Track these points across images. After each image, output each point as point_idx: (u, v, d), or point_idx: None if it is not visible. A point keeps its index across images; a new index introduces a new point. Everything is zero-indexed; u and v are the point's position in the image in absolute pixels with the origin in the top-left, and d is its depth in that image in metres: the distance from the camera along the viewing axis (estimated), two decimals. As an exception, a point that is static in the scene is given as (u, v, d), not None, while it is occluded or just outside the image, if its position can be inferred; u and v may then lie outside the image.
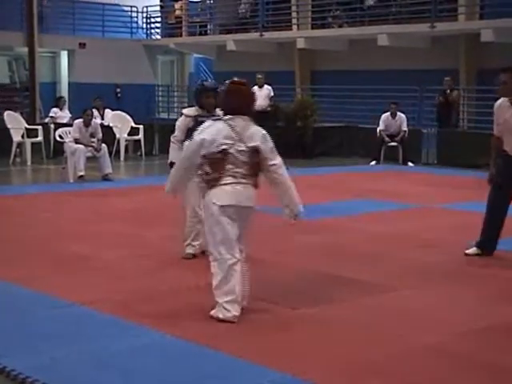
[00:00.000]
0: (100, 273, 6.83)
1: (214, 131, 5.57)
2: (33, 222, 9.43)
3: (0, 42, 23.38)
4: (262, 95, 18.53)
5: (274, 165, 5.81)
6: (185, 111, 7.51)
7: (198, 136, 5.63)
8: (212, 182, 5.58)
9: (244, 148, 5.59)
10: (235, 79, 5.86)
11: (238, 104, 5.63)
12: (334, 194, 12.28)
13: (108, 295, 6.06)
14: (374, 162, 17.24)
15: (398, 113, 17.28)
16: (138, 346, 4.92)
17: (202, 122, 6.44)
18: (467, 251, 7.42)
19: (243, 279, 5.60)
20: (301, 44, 22.22)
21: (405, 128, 17.27)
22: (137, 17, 27.60)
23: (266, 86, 18.59)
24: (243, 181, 5.61)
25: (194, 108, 7.17)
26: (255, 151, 5.65)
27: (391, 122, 17.33)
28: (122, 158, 17.48)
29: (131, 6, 27.08)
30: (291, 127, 18.71)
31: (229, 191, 5.54)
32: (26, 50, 21.93)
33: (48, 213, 10.10)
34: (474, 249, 7.40)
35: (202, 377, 4.44)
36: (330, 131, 19.34)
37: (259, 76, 18.62)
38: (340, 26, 22.21)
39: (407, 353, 4.88)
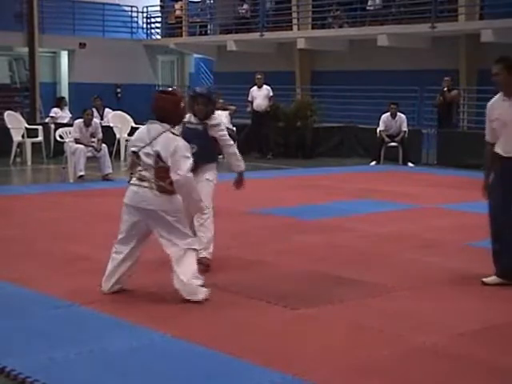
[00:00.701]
0: (100, 273, 6.80)
1: (136, 133, 6.19)
2: (33, 222, 9.43)
3: (0, 42, 23.41)
4: (261, 95, 18.55)
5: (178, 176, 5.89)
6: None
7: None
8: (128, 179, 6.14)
9: (150, 151, 5.93)
10: (165, 89, 6.33)
11: (160, 111, 6.04)
12: (334, 194, 12.28)
13: (107, 295, 6.06)
14: (374, 163, 17.25)
15: (398, 113, 17.28)
16: (137, 346, 4.92)
17: (190, 129, 6.65)
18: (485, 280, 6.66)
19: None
20: (301, 44, 22.23)
21: (405, 128, 17.27)
22: (137, 17, 27.62)
23: (265, 86, 18.58)
24: (144, 184, 5.94)
25: (188, 114, 7.19)
26: (158, 156, 5.92)
27: (391, 122, 17.34)
28: (122, 158, 17.48)
29: (131, 6, 27.10)
30: (291, 127, 18.74)
31: (130, 191, 6.02)
32: (26, 50, 21.95)
33: (48, 213, 10.10)
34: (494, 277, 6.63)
35: (202, 377, 4.44)
36: (330, 131, 19.36)
37: (258, 76, 18.62)
38: (340, 27, 22.22)
39: (407, 353, 4.88)
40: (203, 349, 4.84)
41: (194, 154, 6.11)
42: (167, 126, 5.97)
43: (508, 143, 6.49)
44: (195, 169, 6.32)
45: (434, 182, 13.83)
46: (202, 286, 5.98)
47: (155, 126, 5.99)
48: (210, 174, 7.00)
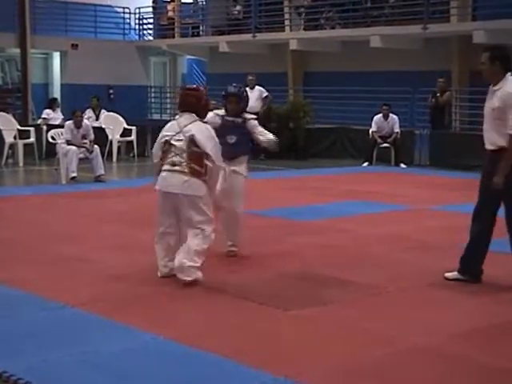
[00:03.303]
0: (92, 274, 6.82)
1: (166, 127, 6.61)
2: (25, 223, 9.41)
3: (-8, 43, 23.40)
4: (254, 96, 18.54)
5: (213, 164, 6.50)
6: (216, 111, 7.79)
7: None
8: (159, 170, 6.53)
9: (182, 137, 6.39)
10: (190, 86, 7.21)
11: (189, 106, 6.58)
12: (327, 195, 12.29)
13: (100, 297, 6.05)
14: (366, 164, 17.26)
15: (391, 114, 17.31)
16: (130, 347, 4.91)
17: (229, 121, 7.38)
18: None
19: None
20: (293, 45, 22.23)
21: (397, 129, 17.30)
22: (129, 18, 27.57)
23: (257, 88, 18.58)
24: (176, 168, 6.37)
25: (221, 111, 7.62)
26: (191, 140, 6.37)
27: (383, 123, 17.36)
28: (114, 159, 17.46)
29: (124, 7, 27.06)
30: (284, 128, 18.72)
31: (161, 177, 6.45)
32: (18, 51, 21.90)
33: (40, 214, 10.08)
34: None
35: (193, 378, 4.44)
36: (322, 132, 19.38)
37: (250, 77, 18.63)
38: (333, 28, 22.23)
39: (400, 354, 4.89)
40: (195, 350, 4.83)
41: (232, 145, 7.06)
42: (195, 116, 6.53)
43: (484, 134, 6.51)
44: (231, 159, 7.19)
45: (427, 183, 13.85)
46: (197, 269, 6.34)
47: (185, 116, 6.53)
48: (242, 168, 7.50)
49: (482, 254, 6.62)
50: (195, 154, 6.38)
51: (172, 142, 6.43)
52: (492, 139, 6.39)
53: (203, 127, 6.51)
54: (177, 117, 6.64)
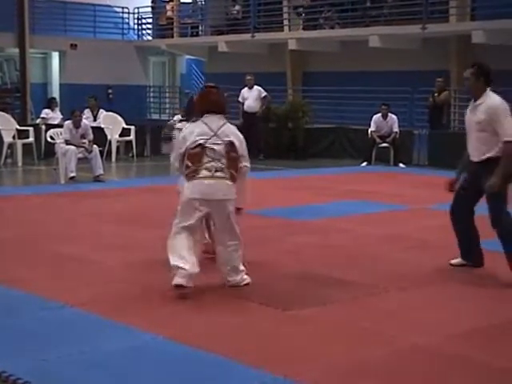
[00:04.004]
0: (91, 274, 6.82)
1: (191, 129, 6.22)
2: (23, 223, 9.40)
3: (-9, 43, 23.39)
4: (252, 96, 18.57)
5: (245, 166, 6.29)
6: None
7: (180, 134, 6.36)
8: (191, 174, 6.11)
9: (219, 141, 6.09)
10: (210, 84, 6.60)
11: (214, 104, 6.25)
12: (326, 195, 12.29)
13: (99, 296, 6.05)
14: (365, 163, 17.27)
15: (390, 114, 17.31)
16: (130, 347, 4.91)
17: None
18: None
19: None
20: (292, 45, 22.23)
21: (396, 129, 17.30)
22: (128, 18, 27.57)
23: (256, 87, 18.61)
24: (218, 174, 6.07)
25: None
26: (231, 145, 6.12)
27: (382, 123, 17.36)
28: (113, 159, 17.45)
29: (123, 7, 27.05)
30: (283, 128, 18.74)
31: (201, 184, 6.05)
32: (17, 50, 21.89)
33: (39, 214, 10.08)
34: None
35: (193, 378, 4.44)
36: (321, 132, 19.38)
37: (249, 77, 18.64)
38: (331, 28, 22.23)
39: (400, 354, 4.89)
40: (195, 350, 4.83)
41: None
42: (223, 117, 6.24)
43: (470, 147, 6.87)
44: None
45: (425, 183, 13.85)
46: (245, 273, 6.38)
47: (213, 119, 6.17)
48: None
49: (476, 243, 7.07)
50: (233, 159, 6.12)
51: (208, 145, 6.04)
52: (479, 151, 6.73)
53: (235, 130, 6.26)
54: (203, 118, 6.21)
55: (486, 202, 6.77)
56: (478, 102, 6.75)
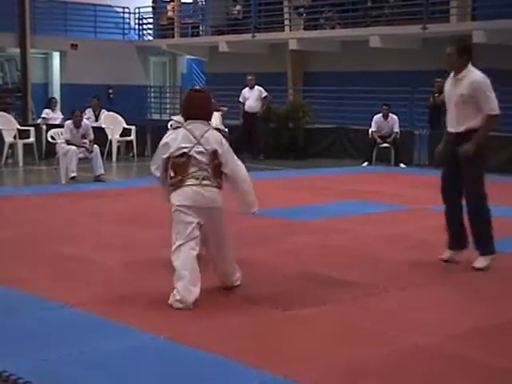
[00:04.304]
0: (91, 274, 6.82)
1: (173, 136, 6.01)
2: (24, 223, 9.41)
3: (-8, 42, 23.41)
4: (253, 96, 18.57)
5: (238, 166, 6.14)
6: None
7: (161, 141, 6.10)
8: (177, 184, 5.95)
9: (203, 150, 5.93)
10: (195, 88, 6.26)
11: (199, 108, 6.06)
12: (326, 195, 12.29)
13: (100, 296, 6.05)
14: (365, 163, 17.27)
15: (390, 114, 17.32)
16: (130, 347, 4.91)
17: None
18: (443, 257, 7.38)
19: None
20: (293, 45, 22.23)
21: (397, 129, 17.31)
22: (129, 18, 27.58)
23: (256, 87, 18.62)
24: (206, 182, 5.93)
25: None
26: (214, 154, 5.97)
27: (383, 123, 17.37)
28: (114, 159, 17.46)
29: (123, 7, 27.07)
30: (283, 129, 18.75)
31: (191, 193, 5.89)
32: (17, 50, 21.91)
33: (39, 214, 10.08)
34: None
35: (193, 378, 4.44)
36: (322, 132, 19.38)
37: (250, 77, 18.66)
38: (332, 28, 22.23)
39: (400, 354, 4.89)
40: (195, 350, 4.83)
41: None
42: (207, 123, 6.07)
43: (449, 118, 7.11)
44: None
45: (426, 183, 13.81)
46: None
47: (196, 125, 5.99)
48: None
49: (462, 223, 7.27)
50: (218, 167, 5.99)
51: (192, 153, 5.90)
52: (458, 122, 6.95)
53: (218, 136, 6.07)
54: (185, 124, 6.02)
55: (464, 182, 7.00)
56: (460, 75, 6.95)
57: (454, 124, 7.03)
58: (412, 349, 4.96)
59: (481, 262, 7.05)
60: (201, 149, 5.92)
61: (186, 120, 6.05)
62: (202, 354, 4.77)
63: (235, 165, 6.10)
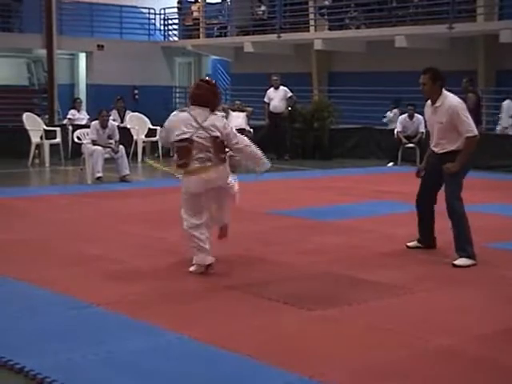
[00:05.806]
0: (117, 274, 6.86)
1: (175, 122, 6.63)
2: (51, 223, 9.47)
3: (19, 44, 23.57)
4: (278, 96, 18.57)
5: (236, 143, 6.71)
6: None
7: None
8: (184, 165, 6.59)
9: (207, 134, 6.49)
10: (203, 78, 7.31)
11: (201, 97, 6.62)
12: (351, 195, 12.26)
13: (125, 296, 6.08)
14: (391, 164, 17.21)
15: (416, 114, 17.23)
16: (154, 346, 4.93)
17: None
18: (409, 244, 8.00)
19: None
20: (318, 45, 22.19)
21: (422, 129, 17.18)
22: (154, 19, 27.68)
23: (281, 88, 18.61)
24: (208, 164, 6.50)
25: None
26: (216, 137, 6.54)
27: (408, 123, 17.30)
28: (139, 159, 17.53)
29: (149, 8, 27.18)
30: (308, 129, 18.72)
31: (196, 179, 6.52)
32: (44, 52, 22.06)
33: (66, 214, 10.15)
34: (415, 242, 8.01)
35: (218, 378, 4.45)
36: (347, 133, 19.33)
37: (275, 77, 18.65)
38: (357, 28, 22.17)
39: (425, 355, 4.86)
40: (220, 350, 4.84)
41: None
42: (209, 110, 6.60)
43: (432, 140, 7.61)
44: None
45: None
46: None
47: (199, 111, 6.56)
48: None
49: (432, 228, 7.96)
50: (219, 144, 6.58)
51: (194, 138, 6.49)
52: (441, 145, 7.46)
53: (220, 121, 6.66)
54: (189, 109, 6.67)
55: (444, 189, 7.50)
56: (437, 104, 7.40)
57: (437, 147, 7.53)
58: (437, 351, 4.93)
59: (462, 261, 7.30)
60: (203, 134, 6.46)
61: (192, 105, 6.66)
62: (227, 354, 4.78)
63: (236, 137, 6.67)
